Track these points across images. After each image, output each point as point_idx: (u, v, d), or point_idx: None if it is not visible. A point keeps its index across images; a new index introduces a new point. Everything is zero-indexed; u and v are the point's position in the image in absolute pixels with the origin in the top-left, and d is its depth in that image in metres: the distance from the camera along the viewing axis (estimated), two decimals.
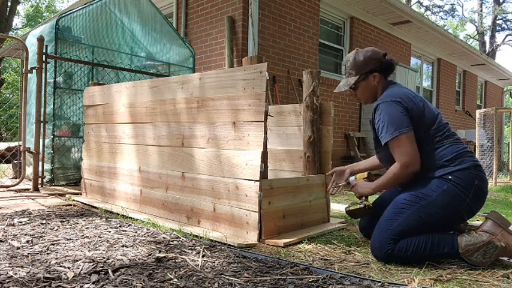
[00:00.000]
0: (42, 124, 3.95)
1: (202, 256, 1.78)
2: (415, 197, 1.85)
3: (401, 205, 1.86)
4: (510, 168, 7.72)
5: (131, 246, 1.92)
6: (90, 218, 2.57)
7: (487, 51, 23.74)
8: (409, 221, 1.80)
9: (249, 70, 2.20)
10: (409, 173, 1.89)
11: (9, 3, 15.42)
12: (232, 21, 5.60)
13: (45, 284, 1.37)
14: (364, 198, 2.11)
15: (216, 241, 2.08)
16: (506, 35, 27.40)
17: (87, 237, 2.07)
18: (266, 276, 1.53)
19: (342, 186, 2.35)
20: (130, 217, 2.65)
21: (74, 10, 4.47)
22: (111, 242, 1.97)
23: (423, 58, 10.07)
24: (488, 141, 7.58)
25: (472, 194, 1.83)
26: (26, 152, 3.91)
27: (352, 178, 2.24)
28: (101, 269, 1.54)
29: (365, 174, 2.21)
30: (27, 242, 1.93)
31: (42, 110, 3.98)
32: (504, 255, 1.76)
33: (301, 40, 6.41)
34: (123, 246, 1.91)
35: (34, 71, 3.90)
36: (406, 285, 1.49)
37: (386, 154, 1.99)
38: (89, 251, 1.81)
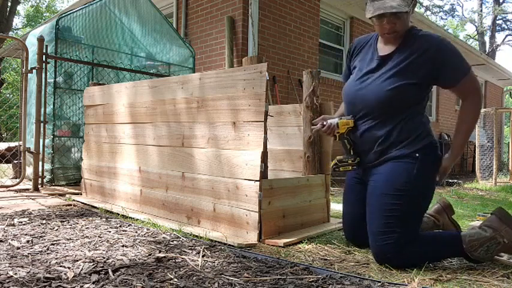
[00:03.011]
0: (42, 124, 3.95)
1: (202, 256, 1.78)
2: (395, 196, 1.76)
3: (387, 211, 1.75)
4: (510, 168, 7.72)
5: (131, 246, 1.92)
6: (90, 218, 2.57)
7: (487, 51, 23.74)
8: (406, 222, 1.74)
9: (249, 70, 2.20)
10: (481, 104, 1.88)
11: (9, 3, 15.41)
12: (232, 21, 5.60)
13: (45, 284, 1.37)
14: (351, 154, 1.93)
15: (216, 241, 2.08)
16: (506, 35, 27.40)
17: (87, 237, 2.07)
18: (266, 276, 1.53)
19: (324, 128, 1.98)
20: (130, 217, 2.65)
21: (74, 10, 4.47)
22: (111, 242, 1.97)
23: None
24: (488, 141, 7.58)
25: (438, 166, 1.85)
26: (26, 152, 3.91)
27: (334, 121, 1.92)
28: (101, 269, 1.54)
29: (349, 121, 1.91)
30: (27, 242, 1.93)
31: (42, 110, 3.98)
32: (505, 251, 1.76)
33: (301, 40, 6.41)
34: (123, 246, 1.91)
35: (34, 71, 3.90)
36: (406, 285, 1.49)
37: (396, 95, 1.80)
38: (89, 251, 1.81)
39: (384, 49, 1.92)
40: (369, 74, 1.90)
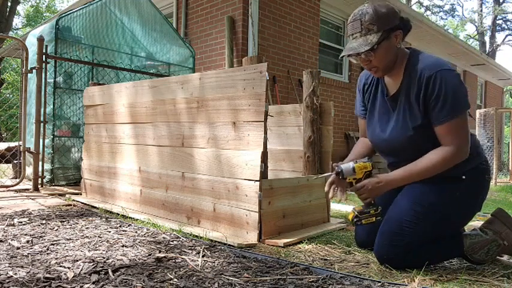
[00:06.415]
0: (42, 124, 3.94)
1: (202, 256, 1.78)
2: (424, 208, 1.67)
3: (409, 217, 1.67)
4: (510, 168, 7.73)
5: (131, 246, 1.92)
6: (90, 218, 2.57)
7: (487, 51, 23.75)
8: (419, 236, 1.68)
9: (249, 70, 2.20)
10: (457, 162, 1.61)
11: (9, 3, 15.41)
12: (232, 21, 5.60)
13: (45, 284, 1.37)
14: (372, 203, 1.71)
15: (216, 241, 2.08)
16: (506, 35, 27.43)
17: (87, 237, 2.07)
18: (266, 276, 1.53)
19: (345, 190, 1.76)
20: (130, 217, 2.65)
21: (74, 10, 4.47)
22: (111, 242, 1.97)
23: None
24: (488, 141, 7.58)
25: (484, 191, 1.76)
26: (26, 152, 3.91)
27: (347, 168, 1.68)
28: (101, 269, 1.54)
29: (367, 164, 1.69)
30: (27, 242, 1.93)
31: (42, 110, 3.98)
32: (506, 252, 1.77)
33: (301, 40, 6.41)
34: (123, 246, 1.91)
35: (34, 71, 3.90)
36: (406, 285, 1.49)
37: (417, 137, 1.67)
38: (89, 251, 1.81)
39: (390, 84, 1.80)
40: (386, 119, 1.80)
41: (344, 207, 3.42)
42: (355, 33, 1.68)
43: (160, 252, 1.82)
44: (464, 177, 1.68)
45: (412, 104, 1.69)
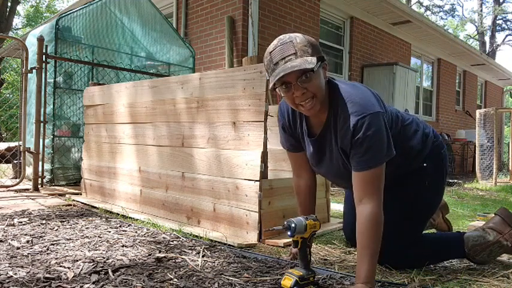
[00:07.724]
0: (42, 124, 3.95)
1: (202, 256, 1.78)
2: (403, 205, 1.69)
3: (395, 215, 1.62)
4: (510, 168, 7.73)
5: (131, 246, 1.92)
6: (90, 218, 2.57)
7: (487, 51, 23.74)
8: (410, 232, 1.70)
9: (249, 70, 2.20)
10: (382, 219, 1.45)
11: (9, 3, 15.41)
12: (232, 21, 5.60)
13: (45, 284, 1.37)
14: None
15: (216, 241, 2.08)
16: (506, 35, 27.44)
17: (87, 237, 2.07)
18: (266, 276, 1.53)
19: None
20: (130, 217, 2.65)
21: (74, 10, 4.47)
22: (111, 242, 1.97)
23: (423, 58, 10.07)
24: (488, 141, 7.57)
25: (446, 164, 1.80)
26: (26, 152, 3.91)
27: (300, 224, 1.43)
28: (101, 269, 1.54)
29: (316, 224, 1.50)
30: (27, 242, 1.93)
31: (42, 110, 3.98)
32: (508, 252, 1.76)
33: None
34: (123, 246, 1.91)
35: (34, 71, 3.90)
36: (406, 285, 1.49)
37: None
38: (89, 251, 1.81)
39: (314, 122, 1.62)
40: (326, 159, 1.66)
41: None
42: (287, 56, 1.39)
43: (160, 252, 1.82)
44: (425, 164, 1.73)
45: (344, 147, 1.53)
